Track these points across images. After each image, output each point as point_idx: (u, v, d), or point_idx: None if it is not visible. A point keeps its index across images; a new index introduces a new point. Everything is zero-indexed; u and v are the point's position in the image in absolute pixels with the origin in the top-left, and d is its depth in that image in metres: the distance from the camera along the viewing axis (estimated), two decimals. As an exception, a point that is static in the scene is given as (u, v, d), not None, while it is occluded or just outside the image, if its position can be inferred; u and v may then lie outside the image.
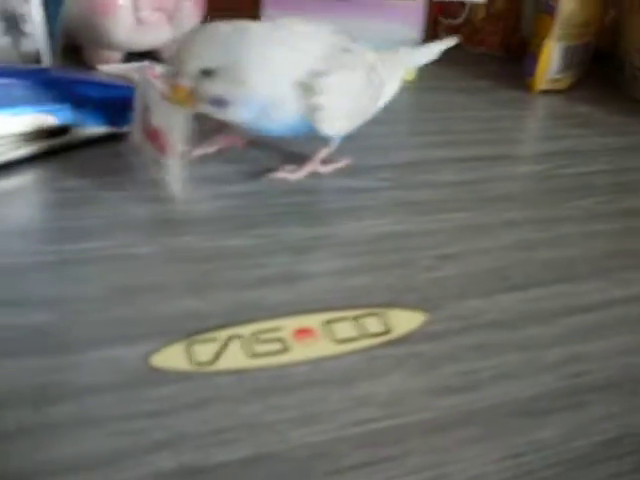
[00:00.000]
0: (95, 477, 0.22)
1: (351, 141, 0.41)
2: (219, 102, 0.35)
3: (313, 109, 0.36)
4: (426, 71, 0.59)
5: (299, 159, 0.40)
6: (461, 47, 0.67)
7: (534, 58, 0.59)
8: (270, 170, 0.40)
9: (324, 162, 0.41)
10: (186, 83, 0.34)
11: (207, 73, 0.34)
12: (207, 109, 0.35)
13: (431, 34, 0.70)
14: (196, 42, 0.34)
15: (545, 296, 0.33)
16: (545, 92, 0.60)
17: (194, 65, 0.34)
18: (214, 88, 0.34)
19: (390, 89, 0.43)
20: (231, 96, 0.35)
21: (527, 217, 0.40)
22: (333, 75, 0.36)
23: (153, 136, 0.36)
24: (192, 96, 0.35)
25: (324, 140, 0.40)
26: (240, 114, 0.36)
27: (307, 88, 0.36)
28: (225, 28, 0.35)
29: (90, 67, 0.52)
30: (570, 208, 0.41)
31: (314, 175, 0.40)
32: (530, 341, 0.30)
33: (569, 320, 0.32)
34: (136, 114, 0.38)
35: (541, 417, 0.26)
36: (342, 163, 0.41)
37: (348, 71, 0.38)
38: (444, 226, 0.38)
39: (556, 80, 0.60)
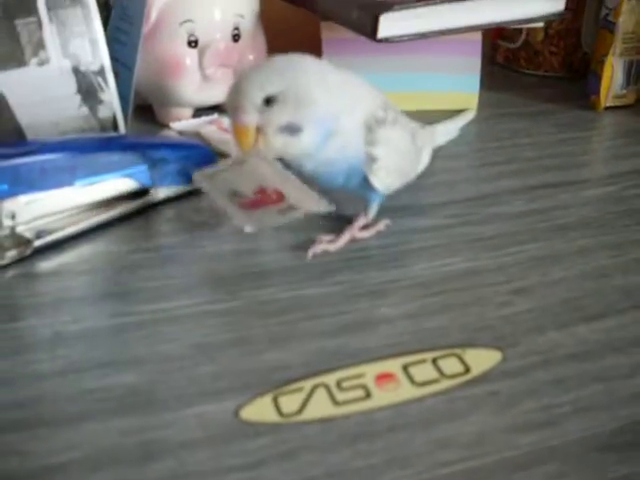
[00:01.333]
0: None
1: (417, 179, 0.42)
2: (290, 128, 0.34)
3: (371, 159, 0.36)
4: (486, 98, 0.59)
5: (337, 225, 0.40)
6: (521, 71, 0.68)
7: (597, 76, 0.59)
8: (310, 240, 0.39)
9: (363, 227, 0.40)
10: (251, 120, 0.34)
11: (271, 101, 0.34)
12: (278, 141, 0.35)
13: (490, 59, 0.70)
14: (253, 74, 0.35)
15: (622, 324, 0.33)
16: (611, 109, 0.59)
17: (256, 96, 0.34)
18: (281, 115, 0.34)
19: (425, 158, 0.43)
20: (300, 118, 0.34)
21: (600, 243, 0.40)
22: (391, 128, 0.37)
23: (257, 202, 0.37)
24: (261, 132, 0.34)
25: (364, 203, 0.40)
26: (312, 137, 0.35)
27: (370, 132, 0.36)
28: (281, 58, 0.35)
29: (162, 125, 0.54)
30: (643, 230, 0.41)
31: (384, 217, 0.40)
32: (609, 372, 0.30)
33: (648, 348, 0.32)
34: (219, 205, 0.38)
35: (625, 451, 0.27)
36: (381, 225, 0.40)
37: (401, 128, 0.38)
38: (516, 259, 0.38)
39: (621, 96, 0.60)
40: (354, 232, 0.39)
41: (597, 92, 0.59)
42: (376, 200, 0.39)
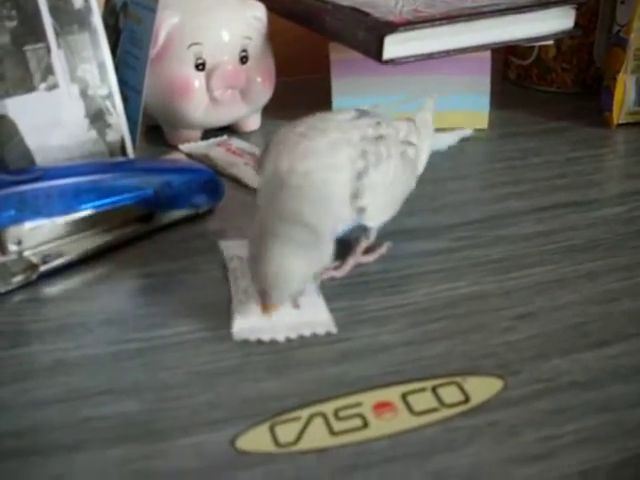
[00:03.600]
0: None
1: (425, 201, 0.42)
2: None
3: (360, 210, 0.35)
4: (497, 117, 0.59)
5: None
6: (533, 87, 0.68)
7: (610, 92, 0.59)
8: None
9: (365, 251, 0.39)
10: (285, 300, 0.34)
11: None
12: None
13: (502, 76, 0.70)
14: (290, 265, 0.32)
15: (629, 351, 0.33)
16: (625, 126, 0.59)
17: (290, 292, 0.33)
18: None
19: (423, 158, 0.42)
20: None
21: (609, 266, 0.39)
22: (373, 173, 0.35)
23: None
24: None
25: (362, 230, 0.38)
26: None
27: (354, 194, 0.35)
28: (298, 233, 0.32)
29: (171, 146, 0.54)
30: (654, 252, 0.40)
31: (389, 241, 0.40)
32: (614, 401, 0.30)
33: (655, 376, 0.31)
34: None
35: (627, 484, 0.26)
36: (384, 248, 0.40)
37: (385, 163, 0.36)
38: (521, 283, 0.38)
39: (635, 113, 0.59)
40: (358, 257, 0.39)
41: (610, 109, 0.59)
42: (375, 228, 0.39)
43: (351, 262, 0.38)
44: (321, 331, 0.34)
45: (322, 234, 0.33)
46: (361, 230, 0.38)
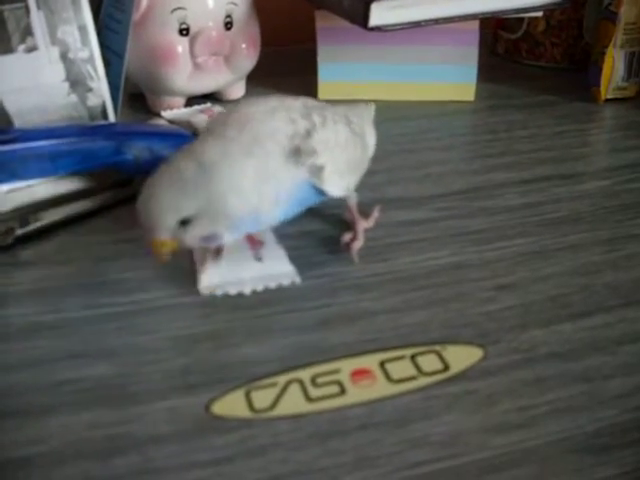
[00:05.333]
0: (157, 530, 0.23)
1: (408, 171, 0.41)
2: (210, 238, 0.32)
3: (316, 172, 0.33)
4: (484, 90, 0.58)
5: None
6: (522, 62, 0.67)
7: (598, 67, 0.58)
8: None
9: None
10: (166, 236, 0.31)
11: (185, 222, 0.31)
12: (200, 245, 0.33)
13: (490, 50, 0.69)
14: (164, 195, 0.31)
15: (608, 323, 0.33)
16: (612, 101, 0.58)
17: (169, 219, 0.31)
18: (198, 231, 0.32)
19: (371, 141, 0.40)
20: (221, 229, 0.32)
21: (591, 238, 0.39)
22: (322, 130, 0.34)
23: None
24: (177, 242, 0.32)
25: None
26: (235, 236, 0.33)
27: (302, 152, 0.33)
28: (187, 167, 0.31)
29: (154, 113, 0.53)
30: (637, 226, 0.40)
31: (371, 210, 0.40)
32: (592, 372, 0.30)
33: (634, 348, 0.31)
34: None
35: (603, 454, 0.26)
36: (376, 211, 0.39)
37: (332, 123, 0.35)
38: (503, 254, 0.37)
39: (622, 88, 0.59)
40: (362, 221, 0.38)
41: (598, 84, 0.58)
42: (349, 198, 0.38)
43: (361, 228, 0.38)
44: (286, 282, 0.34)
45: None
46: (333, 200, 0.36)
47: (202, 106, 0.53)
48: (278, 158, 0.33)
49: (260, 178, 0.32)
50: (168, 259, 0.32)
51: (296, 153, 0.33)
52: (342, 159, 0.35)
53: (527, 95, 0.60)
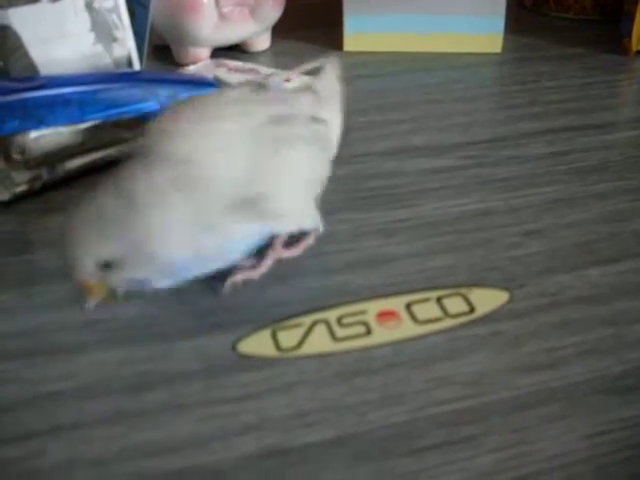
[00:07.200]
0: (186, 459, 0.24)
1: (433, 121, 0.41)
2: (141, 283, 0.28)
3: (269, 215, 0.29)
4: (512, 42, 0.58)
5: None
6: (550, 14, 0.66)
7: (630, 18, 0.57)
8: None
9: (289, 244, 0.33)
10: (90, 279, 0.27)
11: (109, 265, 0.27)
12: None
13: (518, 3, 0.68)
14: (81, 235, 0.27)
15: (635, 269, 0.32)
16: (642, 53, 0.57)
17: (90, 261, 0.27)
18: (125, 275, 0.28)
19: (337, 121, 0.35)
20: (152, 274, 0.28)
21: (619, 187, 0.39)
22: (273, 162, 0.29)
23: None
24: (106, 285, 0.28)
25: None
26: (165, 282, 0.29)
27: (249, 201, 0.28)
28: (109, 204, 0.27)
29: (179, 65, 0.53)
30: (666, 175, 0.40)
31: (397, 158, 0.40)
32: (618, 316, 0.30)
33: (660, 292, 0.31)
34: None
35: (629, 394, 0.26)
36: (311, 237, 0.33)
37: (287, 149, 0.30)
38: (530, 201, 0.37)
39: (654, 40, 0.58)
40: (278, 252, 0.32)
41: (629, 35, 0.57)
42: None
43: (269, 260, 0.32)
44: (309, 227, 0.32)
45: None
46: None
47: (218, 60, 0.53)
48: (219, 207, 0.28)
49: (198, 224, 0.27)
50: (102, 301, 0.29)
51: (242, 203, 0.28)
52: (299, 190, 0.31)
53: (555, 47, 0.59)
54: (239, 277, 0.31)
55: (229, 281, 0.31)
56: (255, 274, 0.32)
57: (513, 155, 0.42)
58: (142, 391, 0.26)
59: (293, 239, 0.33)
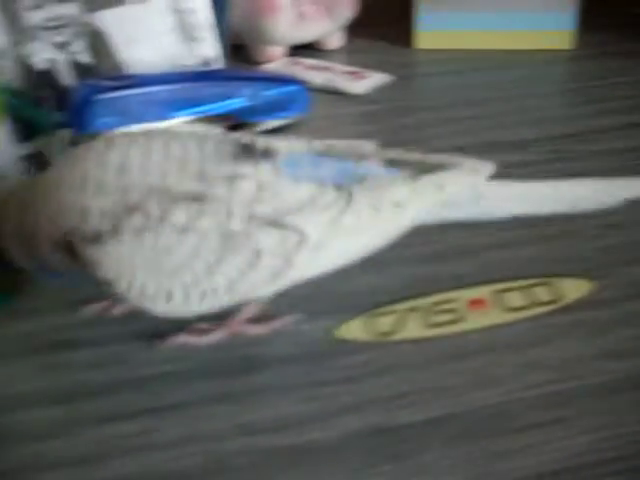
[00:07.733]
0: (288, 437, 0.25)
1: (512, 116, 0.41)
2: None
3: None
4: (584, 38, 0.58)
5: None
6: (624, 9, 0.66)
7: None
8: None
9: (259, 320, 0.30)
10: None
11: None
12: None
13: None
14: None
15: None
16: None
17: None
18: None
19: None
20: None
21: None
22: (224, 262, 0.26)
23: None
24: None
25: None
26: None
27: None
28: None
29: (256, 64, 0.55)
30: None
31: (473, 154, 0.40)
32: None
33: None
34: None
35: None
36: (287, 319, 0.30)
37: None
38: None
39: None
40: (238, 326, 0.30)
41: (700, 29, 0.57)
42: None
43: (223, 332, 0.29)
44: None
45: None
46: None
47: (293, 59, 0.54)
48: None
49: None
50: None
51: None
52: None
53: (628, 42, 0.59)
54: (181, 339, 0.29)
55: (169, 340, 0.29)
56: (205, 341, 0.29)
57: (588, 150, 0.42)
58: (249, 373, 0.28)
59: (261, 316, 0.30)
